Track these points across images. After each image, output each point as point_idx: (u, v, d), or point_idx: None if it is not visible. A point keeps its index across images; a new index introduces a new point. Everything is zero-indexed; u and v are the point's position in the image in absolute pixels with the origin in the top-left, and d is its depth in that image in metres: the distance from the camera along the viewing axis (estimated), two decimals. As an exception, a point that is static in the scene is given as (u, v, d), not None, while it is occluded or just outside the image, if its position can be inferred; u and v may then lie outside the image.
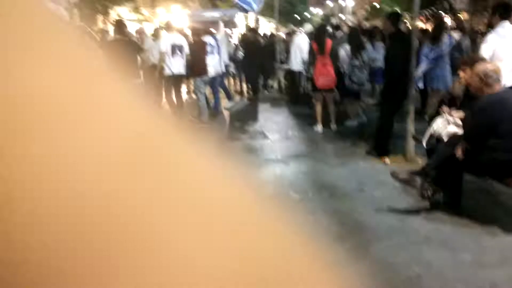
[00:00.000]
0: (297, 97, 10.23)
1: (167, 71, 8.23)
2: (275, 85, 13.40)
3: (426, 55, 7.36)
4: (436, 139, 4.46)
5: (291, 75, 10.42)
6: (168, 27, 8.66)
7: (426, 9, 30.27)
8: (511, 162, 3.76)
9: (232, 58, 12.63)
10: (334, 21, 54.24)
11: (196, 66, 8.68)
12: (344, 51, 8.18)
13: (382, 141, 6.26)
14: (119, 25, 7.79)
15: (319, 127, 7.98)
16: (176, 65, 8.23)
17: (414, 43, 5.86)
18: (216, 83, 9.71)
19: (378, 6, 38.27)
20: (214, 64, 9.30)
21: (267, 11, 18.71)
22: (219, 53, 9.44)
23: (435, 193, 4.51)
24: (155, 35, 10.14)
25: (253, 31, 12.14)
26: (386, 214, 4.41)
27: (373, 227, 4.16)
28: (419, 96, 9.06)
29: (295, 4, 19.12)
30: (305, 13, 30.43)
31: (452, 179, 4.18)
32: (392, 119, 6.20)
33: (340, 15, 59.58)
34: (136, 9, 17.75)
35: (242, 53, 12.21)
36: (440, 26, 7.85)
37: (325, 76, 7.64)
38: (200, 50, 8.75)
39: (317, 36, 7.81)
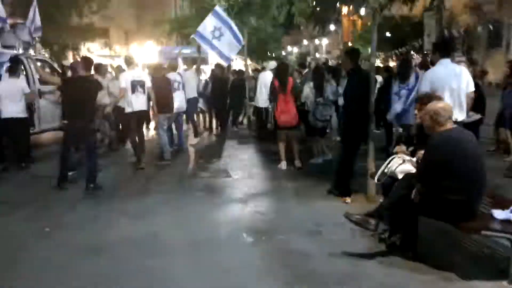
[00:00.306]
0: (264, 134, 10.07)
1: (127, 109, 7.99)
2: (245, 121, 13.30)
3: (396, 93, 7.34)
4: (391, 178, 4.31)
5: (257, 111, 10.31)
6: (128, 62, 8.44)
7: (398, 48, 31.09)
8: (464, 204, 3.62)
9: (202, 94, 12.54)
10: (308, 59, 55.37)
11: (159, 103, 8.51)
12: (309, 88, 8.14)
13: (342, 180, 6.10)
14: (83, 61, 7.46)
15: (283, 165, 7.82)
16: (137, 102, 8.00)
17: (371, 80, 5.81)
18: (180, 119, 9.55)
19: (351, 45, 39.13)
20: (179, 100, 9.16)
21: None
22: (183, 89, 9.31)
23: (391, 235, 4.34)
24: (116, 72, 9.95)
25: (220, 67, 12.09)
26: (340, 258, 4.20)
27: (326, 273, 3.94)
28: (385, 133, 9.05)
29: (268, 42, 19.30)
30: (279, 51, 30.69)
31: (407, 221, 4.02)
32: (351, 158, 6.06)
33: (317, 54, 60.88)
34: (107, 44, 17.63)
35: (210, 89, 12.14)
36: (405, 64, 7.86)
37: (286, 114, 7.54)
38: (163, 86, 8.60)
39: (279, 74, 7.73)
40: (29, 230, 5.14)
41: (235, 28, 10.38)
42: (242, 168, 8.08)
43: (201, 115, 13.37)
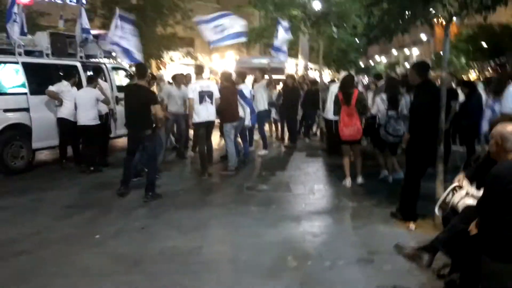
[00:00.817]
0: (334, 147, 9.67)
1: (196, 119, 8.01)
2: (318, 133, 12.95)
3: (491, 108, 6.69)
4: (451, 209, 3.80)
5: (327, 124, 9.93)
6: (198, 71, 8.49)
7: (495, 59, 28.86)
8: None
9: (275, 104, 12.41)
10: (398, 70, 53.37)
11: (226, 112, 8.47)
12: (381, 100, 7.65)
13: (407, 203, 5.58)
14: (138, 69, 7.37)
15: (347, 181, 7.40)
16: (204, 113, 7.99)
17: (442, 95, 5.26)
18: (246, 130, 9.43)
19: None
20: (246, 111, 9.06)
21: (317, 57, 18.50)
22: (251, 100, 9.19)
23: (452, 271, 3.83)
24: (177, 82, 10.07)
25: (291, 77, 11.87)
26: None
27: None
28: (466, 151, 8.32)
29: (348, 51, 18.74)
30: (360, 61, 29.68)
31: (467, 259, 3.50)
32: (418, 179, 5.52)
33: (406, 63, 58.50)
34: (189, 54, 18.07)
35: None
36: (500, 77, 7.10)
37: (350, 128, 7.13)
38: (231, 96, 8.54)
39: (344, 86, 7.34)
40: (81, 235, 5.25)
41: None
42: (305, 183, 7.76)
43: (273, 125, 13.26)
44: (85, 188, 7.44)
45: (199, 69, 8.52)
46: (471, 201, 3.62)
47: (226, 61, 18.66)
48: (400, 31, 5.63)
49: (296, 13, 11.59)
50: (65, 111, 8.74)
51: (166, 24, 17.05)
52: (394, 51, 63.56)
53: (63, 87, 8.76)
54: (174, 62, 18.77)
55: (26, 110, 8.44)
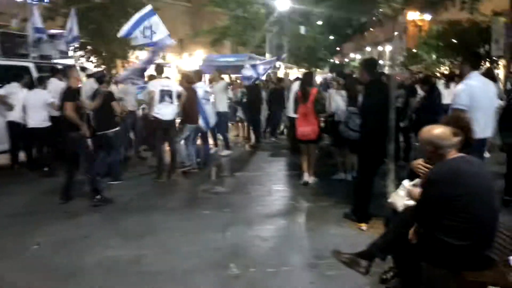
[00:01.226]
0: (296, 145, 9.53)
1: (155, 115, 7.76)
2: (285, 132, 12.80)
3: None
4: (392, 211, 3.66)
5: (290, 122, 9.78)
6: (158, 71, 8.22)
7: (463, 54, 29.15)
8: (468, 249, 2.93)
9: (240, 103, 12.24)
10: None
11: (187, 114, 8.25)
12: (340, 96, 7.54)
13: (360, 203, 5.45)
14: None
15: (305, 176, 7.34)
16: (165, 112, 7.75)
17: (391, 93, 5.14)
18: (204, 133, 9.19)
19: (415, 51, 37.40)
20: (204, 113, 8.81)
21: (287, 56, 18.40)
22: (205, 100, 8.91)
23: (395, 276, 3.70)
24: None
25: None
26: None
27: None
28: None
29: (316, 49, 18.63)
30: (330, 58, 29.66)
31: (407, 265, 3.37)
32: (370, 179, 5.40)
33: (380, 61, 58.88)
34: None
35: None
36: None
37: (305, 127, 6.98)
38: (192, 97, 8.29)
39: (302, 84, 7.20)
40: (17, 246, 4.95)
41: None
42: (264, 183, 7.60)
43: (240, 124, 13.07)
44: (35, 194, 7.09)
45: (159, 69, 8.26)
46: (412, 202, 3.47)
47: (194, 60, 18.36)
48: (352, 28, 5.51)
49: (258, 10, 11.43)
50: (14, 114, 8.38)
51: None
52: (368, 48, 63.94)
53: (13, 89, 8.40)
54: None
55: (-28, 112, 8.07)
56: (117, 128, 7.50)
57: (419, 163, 3.50)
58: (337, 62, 78.39)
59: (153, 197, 6.87)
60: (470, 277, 2.94)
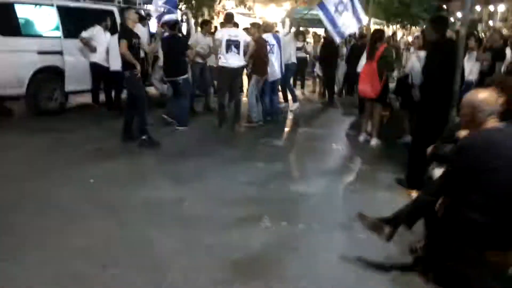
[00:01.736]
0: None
1: (221, 63, 7.84)
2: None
3: None
4: (428, 178, 3.43)
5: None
6: (227, 20, 8.19)
7: None
8: (491, 228, 2.68)
9: (318, 58, 11.95)
10: (479, 27, 49.46)
11: (256, 64, 8.24)
12: (416, 58, 7.07)
13: (414, 170, 5.17)
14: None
15: (361, 137, 7.14)
16: (231, 60, 7.76)
17: (459, 55, 4.70)
18: (274, 83, 9.06)
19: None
20: (273, 64, 8.67)
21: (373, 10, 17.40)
22: (279, 53, 8.72)
23: (423, 248, 3.51)
24: (204, 30, 9.64)
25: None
26: (349, 263, 3.53)
27: (323, 275, 3.34)
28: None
29: (411, 5, 17.30)
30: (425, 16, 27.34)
31: (435, 238, 3.17)
32: (427, 145, 5.06)
33: (490, 22, 53.86)
34: (242, 2, 17.63)
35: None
36: None
37: (364, 84, 6.70)
38: (259, 48, 8.21)
39: (371, 39, 6.84)
40: (77, 176, 5.34)
41: (358, 5, 9.19)
42: (324, 141, 7.48)
43: (317, 80, 12.81)
44: (104, 132, 7.52)
45: (228, 17, 8.21)
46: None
47: (279, 12, 18.05)
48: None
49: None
50: (97, 56, 8.87)
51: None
52: (478, 7, 58.76)
53: (95, 31, 8.85)
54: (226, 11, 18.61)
55: (60, 53, 8.64)
56: (185, 76, 7.68)
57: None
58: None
59: (210, 145, 7.03)
60: (493, 257, 2.71)
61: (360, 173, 5.94)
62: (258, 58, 8.15)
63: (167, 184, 5.31)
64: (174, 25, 7.95)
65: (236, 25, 9.04)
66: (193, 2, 17.18)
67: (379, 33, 7.14)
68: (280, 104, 10.08)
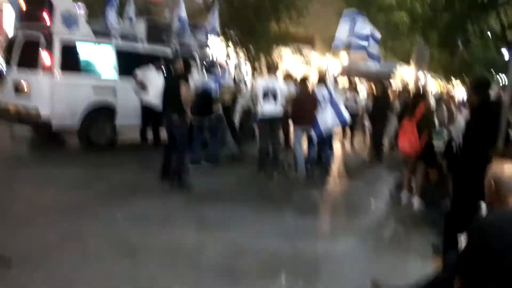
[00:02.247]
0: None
1: (258, 115, 7.92)
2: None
3: None
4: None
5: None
6: (268, 68, 8.33)
7: None
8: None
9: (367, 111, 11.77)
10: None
11: (297, 115, 8.19)
12: (464, 117, 6.79)
13: (449, 236, 4.81)
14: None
15: (403, 196, 6.86)
16: (267, 109, 7.79)
17: (503, 119, 4.40)
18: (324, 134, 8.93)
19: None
20: (323, 117, 8.54)
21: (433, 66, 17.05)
22: (331, 105, 8.59)
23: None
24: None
25: (381, 83, 11.00)
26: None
27: None
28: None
29: (474, 65, 16.55)
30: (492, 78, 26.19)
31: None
32: (463, 215, 4.71)
33: None
34: (299, 51, 17.88)
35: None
36: None
37: (404, 141, 6.48)
38: (305, 99, 8.17)
39: (414, 96, 6.69)
40: (105, 213, 5.42)
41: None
42: (363, 197, 7.20)
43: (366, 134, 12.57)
44: (147, 170, 7.65)
45: (271, 67, 8.33)
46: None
47: (336, 62, 18.07)
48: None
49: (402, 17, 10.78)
50: (148, 95, 9.19)
51: (279, 20, 17.09)
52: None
53: (148, 71, 9.22)
54: (283, 59, 18.95)
55: (113, 90, 9.04)
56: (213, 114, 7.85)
57: None
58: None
59: (244, 191, 6.97)
60: None
61: (394, 234, 5.62)
62: (299, 108, 8.08)
63: (191, 228, 5.25)
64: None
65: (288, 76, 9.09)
66: (251, 49, 17.62)
67: (419, 92, 6.93)
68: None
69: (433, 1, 7.35)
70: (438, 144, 7.05)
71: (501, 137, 4.48)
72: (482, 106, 4.66)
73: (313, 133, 8.41)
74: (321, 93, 8.38)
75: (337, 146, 10.43)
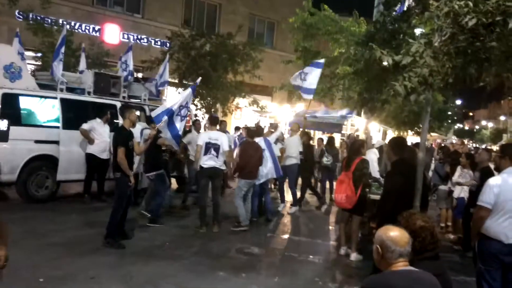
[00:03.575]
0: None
1: (199, 165, 7.86)
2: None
3: None
4: None
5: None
6: (211, 122, 8.31)
7: None
8: None
9: (317, 161, 11.93)
10: (505, 137, 49.21)
11: (240, 168, 8.24)
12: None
13: None
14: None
15: (342, 250, 6.96)
16: (210, 162, 7.77)
17: (418, 177, 4.57)
18: (265, 186, 9.04)
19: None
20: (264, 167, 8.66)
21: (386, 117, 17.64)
22: (270, 156, 8.74)
23: None
24: (196, 128, 10.26)
25: (306, 133, 11.23)
26: None
27: None
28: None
29: (420, 113, 17.31)
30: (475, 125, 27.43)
31: None
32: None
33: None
34: (255, 102, 18.12)
35: (326, 159, 11.38)
36: None
37: (340, 194, 6.63)
38: (248, 151, 8.25)
39: (349, 150, 6.89)
40: (31, 275, 5.20)
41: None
42: (303, 251, 7.10)
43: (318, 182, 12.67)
44: (85, 225, 7.49)
45: (213, 120, 8.34)
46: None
47: (291, 112, 18.40)
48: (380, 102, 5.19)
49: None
50: (94, 148, 9.09)
51: (236, 71, 17.39)
52: (503, 117, 59.09)
53: (95, 124, 9.16)
54: (240, 110, 19.16)
55: (56, 142, 8.89)
56: (159, 171, 7.80)
57: None
58: (466, 127, 73.88)
59: (181, 247, 6.82)
60: None
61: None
62: (244, 161, 8.15)
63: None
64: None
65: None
66: (208, 99, 17.77)
67: (358, 145, 7.08)
68: (277, 205, 10.26)
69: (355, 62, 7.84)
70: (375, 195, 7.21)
71: (418, 194, 4.64)
72: (397, 163, 4.85)
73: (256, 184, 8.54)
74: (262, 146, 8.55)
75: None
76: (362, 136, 13.57)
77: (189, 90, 7.99)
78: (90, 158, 9.16)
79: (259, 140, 8.54)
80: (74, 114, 9.28)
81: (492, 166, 6.78)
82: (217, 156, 7.76)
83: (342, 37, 13.09)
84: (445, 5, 4.24)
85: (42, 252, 6.02)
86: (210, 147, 7.75)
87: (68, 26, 13.84)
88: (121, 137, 6.78)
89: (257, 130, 9.09)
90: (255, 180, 8.40)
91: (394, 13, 6.91)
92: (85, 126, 9.07)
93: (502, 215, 4.16)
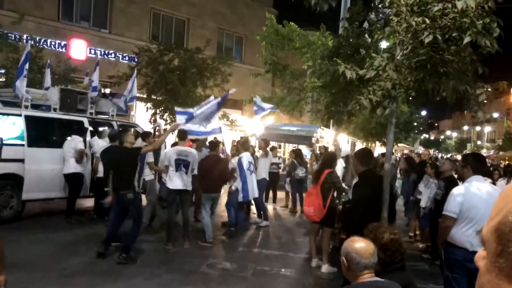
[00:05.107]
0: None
1: (168, 184, 7.78)
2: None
3: None
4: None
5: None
6: (180, 137, 8.20)
7: None
8: None
9: (289, 174, 12.03)
10: (469, 146, 50.69)
11: (203, 182, 8.20)
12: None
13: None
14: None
15: (313, 263, 7.02)
16: (178, 181, 7.64)
17: (385, 188, 4.68)
18: (233, 200, 8.99)
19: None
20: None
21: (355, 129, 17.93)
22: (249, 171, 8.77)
23: None
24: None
25: (264, 141, 11.36)
26: None
27: None
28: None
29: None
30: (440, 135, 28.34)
31: None
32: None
33: (479, 142, 55.50)
34: (225, 116, 18.17)
35: (301, 172, 11.49)
36: None
37: (308, 207, 6.70)
38: (213, 166, 8.20)
39: (321, 163, 7.00)
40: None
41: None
42: (277, 264, 7.13)
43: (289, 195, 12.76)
44: (56, 246, 7.31)
45: (182, 135, 8.10)
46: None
47: (257, 126, 18.52)
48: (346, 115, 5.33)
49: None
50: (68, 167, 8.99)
51: (205, 86, 17.42)
52: (466, 127, 60.94)
53: (72, 141, 9.12)
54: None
55: (21, 161, 8.68)
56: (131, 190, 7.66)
57: None
58: (432, 138, 75.77)
59: (152, 265, 6.71)
60: None
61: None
62: (207, 175, 8.10)
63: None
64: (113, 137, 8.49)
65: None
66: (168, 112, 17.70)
67: (330, 158, 7.19)
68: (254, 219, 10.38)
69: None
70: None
71: (385, 204, 4.74)
72: (365, 173, 4.95)
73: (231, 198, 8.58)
74: (246, 161, 8.57)
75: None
76: (331, 148, 13.72)
77: (217, 99, 8.02)
78: (74, 177, 9.03)
79: (247, 156, 8.61)
80: (40, 132, 9.12)
81: (456, 175, 7.06)
82: (186, 173, 7.69)
83: (310, 50, 13.34)
84: (404, 21, 4.38)
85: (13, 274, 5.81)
86: (180, 163, 7.66)
87: (32, 42, 13.61)
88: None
89: (243, 145, 9.11)
90: (217, 194, 8.36)
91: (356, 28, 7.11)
92: (81, 146, 9.13)
93: (466, 224, 4.29)
